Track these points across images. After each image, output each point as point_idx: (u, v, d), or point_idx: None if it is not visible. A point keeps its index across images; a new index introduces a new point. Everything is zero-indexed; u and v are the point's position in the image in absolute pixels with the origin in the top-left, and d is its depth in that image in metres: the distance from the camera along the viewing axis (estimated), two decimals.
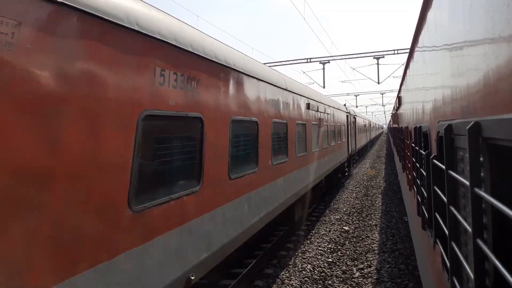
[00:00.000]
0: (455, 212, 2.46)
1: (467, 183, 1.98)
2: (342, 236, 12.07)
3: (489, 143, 1.77)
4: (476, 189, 1.83)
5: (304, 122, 11.76)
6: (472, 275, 1.94)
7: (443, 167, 2.75)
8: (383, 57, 27.33)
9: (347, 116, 23.26)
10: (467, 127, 1.88)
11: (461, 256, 2.31)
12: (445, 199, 2.75)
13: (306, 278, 8.74)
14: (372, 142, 68.31)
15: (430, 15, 3.85)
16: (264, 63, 8.31)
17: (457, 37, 2.45)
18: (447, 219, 2.65)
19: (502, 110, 1.59)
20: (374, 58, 27.66)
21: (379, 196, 18.73)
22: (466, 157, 2.19)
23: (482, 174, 1.84)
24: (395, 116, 17.79)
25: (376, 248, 10.89)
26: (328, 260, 9.96)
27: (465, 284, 2.35)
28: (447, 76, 2.90)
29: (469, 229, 1.98)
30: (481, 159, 1.85)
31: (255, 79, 7.44)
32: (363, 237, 12.05)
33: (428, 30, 4.08)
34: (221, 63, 5.80)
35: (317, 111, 13.80)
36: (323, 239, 11.71)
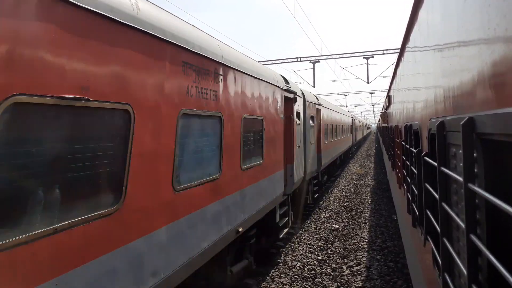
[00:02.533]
0: (447, 208, 2.46)
1: (461, 179, 1.98)
2: (332, 234, 12.13)
3: (482, 139, 1.77)
4: (470, 185, 1.83)
5: (342, 124, 26.91)
6: (465, 271, 1.95)
7: (435, 164, 2.76)
8: (373, 57, 27.57)
9: (351, 119, 38.43)
10: (461, 123, 1.88)
11: (453, 252, 2.32)
12: (437, 196, 2.75)
13: (296, 276, 8.76)
14: (364, 139, 70.27)
15: (422, 13, 3.86)
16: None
17: (450, 34, 2.45)
18: (439, 215, 2.66)
19: (496, 105, 1.59)
20: (363, 58, 27.88)
21: (368, 194, 18.87)
22: (459, 153, 2.19)
23: (475, 169, 1.84)
24: (385, 115, 17.93)
25: (365, 246, 10.96)
26: (318, 258, 9.99)
27: (457, 280, 2.36)
28: (439, 73, 2.90)
29: (462, 225, 1.99)
30: (474, 154, 1.85)
31: (332, 111, 21.98)
32: (352, 235, 12.13)
33: (420, 28, 4.09)
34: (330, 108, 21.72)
35: (344, 119, 29.76)
36: (313, 237, 11.75)
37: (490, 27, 1.61)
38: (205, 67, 5.31)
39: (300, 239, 11.53)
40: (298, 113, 11.87)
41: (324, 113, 17.93)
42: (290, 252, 10.38)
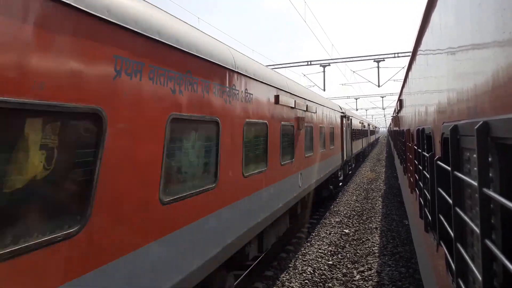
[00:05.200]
0: (461, 213, 2.44)
1: (475, 183, 1.97)
2: (343, 239, 12.05)
3: (497, 143, 1.75)
4: (485, 189, 1.82)
5: (362, 128, 38.70)
6: (479, 277, 1.92)
7: (449, 168, 2.74)
8: (384, 60, 27.31)
9: (367, 123, 50.81)
10: (475, 127, 1.87)
11: (468, 258, 2.29)
12: (450, 201, 2.73)
13: (307, 281, 8.71)
14: (375, 142, 72.01)
15: (435, 16, 3.84)
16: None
17: (464, 37, 2.44)
18: (453, 220, 2.63)
19: (511, 110, 1.57)
20: (374, 61, 27.65)
21: (379, 199, 18.71)
22: (473, 157, 2.17)
23: (490, 174, 1.83)
24: (396, 119, 17.79)
25: (376, 251, 10.86)
26: (329, 262, 9.93)
27: (471, 286, 2.33)
28: (452, 77, 2.89)
29: (477, 230, 1.97)
30: (489, 159, 1.84)
31: (358, 121, 35.85)
32: (363, 240, 12.03)
33: (432, 31, 4.07)
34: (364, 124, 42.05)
35: (363, 124, 39.95)
36: (324, 241, 11.68)
37: (505, 30, 1.61)
38: (313, 107, 12.64)
39: (310, 244, 11.47)
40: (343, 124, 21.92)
41: (353, 122, 28.36)
42: (300, 256, 10.34)
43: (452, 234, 2.70)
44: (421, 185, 5.29)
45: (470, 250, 2.37)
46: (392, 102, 57.40)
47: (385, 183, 23.77)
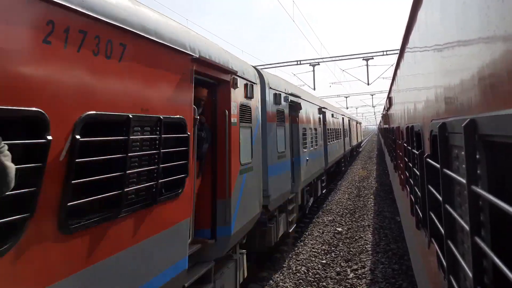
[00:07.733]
0: (451, 210, 2.45)
1: (463, 180, 1.97)
2: (336, 238, 12.08)
3: (485, 140, 1.76)
4: (473, 187, 1.82)
5: (357, 128, 50.83)
6: (470, 273, 1.93)
7: (438, 165, 2.74)
8: (372, 58, 27.51)
9: (359, 122, 57.92)
10: (462, 125, 1.87)
11: (458, 255, 2.30)
12: (440, 198, 2.74)
13: (301, 280, 8.72)
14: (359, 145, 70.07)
15: (421, 13, 3.86)
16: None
17: (449, 35, 2.45)
18: (443, 217, 2.64)
19: (498, 107, 1.58)
20: (363, 59, 27.82)
21: (371, 196, 18.81)
22: (461, 154, 2.18)
23: (478, 171, 1.83)
24: (386, 117, 17.92)
25: (369, 249, 10.91)
26: (322, 261, 9.95)
27: (462, 282, 2.34)
28: (439, 75, 2.90)
29: (466, 227, 1.97)
30: (477, 156, 1.84)
31: (353, 120, 45.78)
32: (356, 238, 12.08)
33: (419, 29, 4.09)
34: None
35: (352, 123, 42.48)
36: (317, 240, 11.71)
37: (489, 28, 1.61)
38: (334, 114, 22.69)
39: (304, 243, 11.48)
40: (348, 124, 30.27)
41: (352, 123, 38.57)
42: (294, 256, 10.34)
43: (442, 231, 2.71)
44: (412, 182, 5.32)
45: (461, 247, 2.37)
46: (381, 100, 57.90)
47: (376, 180, 23.92)
